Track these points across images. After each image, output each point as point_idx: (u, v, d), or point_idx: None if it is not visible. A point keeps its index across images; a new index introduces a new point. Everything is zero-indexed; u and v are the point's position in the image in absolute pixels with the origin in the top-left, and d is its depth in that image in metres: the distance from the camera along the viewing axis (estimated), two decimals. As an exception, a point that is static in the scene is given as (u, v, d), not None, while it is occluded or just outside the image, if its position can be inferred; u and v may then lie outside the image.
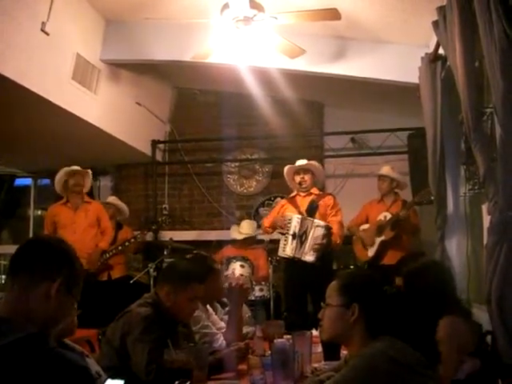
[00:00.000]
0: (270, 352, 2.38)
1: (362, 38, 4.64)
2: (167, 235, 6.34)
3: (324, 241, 4.63)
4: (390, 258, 4.75)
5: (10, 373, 1.23)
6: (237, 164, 6.94)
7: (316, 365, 2.42)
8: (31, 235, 7.10)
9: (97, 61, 4.91)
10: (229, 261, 5.45)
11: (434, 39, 3.61)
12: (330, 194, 5.22)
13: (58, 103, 4.47)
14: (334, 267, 5.35)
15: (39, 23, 3.98)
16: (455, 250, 3.78)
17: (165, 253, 5.61)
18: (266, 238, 5.81)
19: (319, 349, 2.63)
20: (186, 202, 6.99)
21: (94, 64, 4.86)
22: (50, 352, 1.31)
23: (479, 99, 2.79)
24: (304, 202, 4.94)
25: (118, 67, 5.31)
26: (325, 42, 4.74)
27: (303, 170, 4.98)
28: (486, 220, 2.71)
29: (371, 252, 5.08)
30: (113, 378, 1.60)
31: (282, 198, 5.63)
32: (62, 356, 1.31)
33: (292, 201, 5.04)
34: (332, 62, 4.76)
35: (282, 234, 4.81)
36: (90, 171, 5.44)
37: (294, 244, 4.69)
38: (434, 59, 3.76)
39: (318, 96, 6.54)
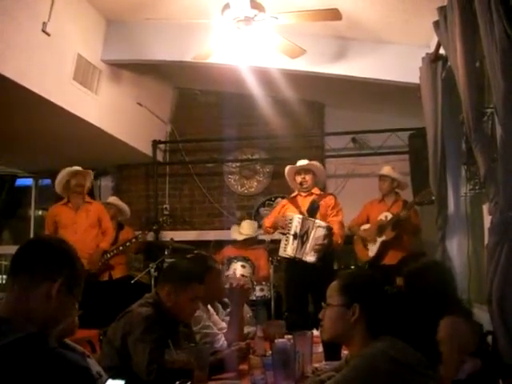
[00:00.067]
0: (270, 352, 2.38)
1: (363, 38, 4.64)
2: (168, 235, 6.35)
3: (325, 241, 4.63)
4: (391, 258, 4.76)
5: (10, 373, 1.23)
6: (237, 164, 6.94)
7: (317, 365, 2.42)
8: (32, 235, 7.10)
9: (98, 61, 4.91)
10: (230, 261, 5.45)
11: (435, 39, 3.61)
12: (331, 194, 5.22)
13: (59, 103, 4.47)
14: (335, 267, 5.35)
15: (40, 23, 3.99)
16: (456, 250, 3.78)
17: (166, 253, 5.62)
18: (267, 238, 5.81)
19: (320, 349, 2.63)
20: (186, 203, 6.99)
21: (94, 64, 4.86)
22: (51, 352, 1.31)
23: (480, 99, 2.79)
24: (305, 202, 4.94)
25: (119, 67, 5.31)
26: (325, 42, 4.74)
27: (304, 170, 4.98)
28: (487, 220, 2.71)
29: (372, 252, 5.08)
30: (114, 378, 1.60)
31: (283, 198, 5.62)
32: (63, 356, 1.31)
33: (293, 201, 5.04)
34: (333, 62, 4.76)
35: (283, 234, 4.81)
36: (91, 172, 5.45)
37: (295, 244, 4.69)
38: (434, 59, 3.76)
39: (319, 96, 6.54)
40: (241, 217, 6.62)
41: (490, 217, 2.46)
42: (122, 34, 4.91)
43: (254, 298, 5.25)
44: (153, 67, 5.74)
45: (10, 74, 3.80)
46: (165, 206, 6.91)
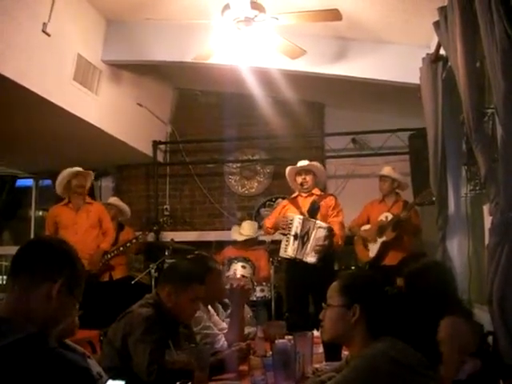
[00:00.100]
0: (271, 353, 2.38)
1: (363, 39, 4.64)
2: (168, 236, 6.34)
3: (326, 242, 4.62)
4: (392, 259, 4.76)
5: (11, 373, 1.23)
6: (238, 165, 6.94)
7: (317, 365, 2.42)
8: (32, 236, 7.10)
9: (98, 61, 4.92)
10: (230, 261, 5.44)
11: (435, 40, 3.60)
12: (332, 195, 5.22)
13: (59, 104, 4.47)
14: (336, 268, 5.35)
15: (40, 24, 3.99)
16: (456, 250, 3.78)
17: (166, 253, 5.61)
18: (268, 238, 5.81)
19: (320, 349, 2.63)
20: (187, 203, 6.99)
21: (95, 65, 4.86)
22: (51, 352, 1.31)
23: (480, 100, 2.79)
24: (306, 203, 4.94)
25: (119, 68, 5.31)
26: (326, 43, 4.74)
27: (305, 170, 4.98)
28: (488, 221, 2.71)
29: (372, 253, 5.08)
30: (114, 378, 1.60)
31: (283, 198, 5.62)
32: (63, 357, 1.32)
33: (293, 201, 5.04)
34: (333, 63, 4.76)
35: (284, 234, 4.81)
36: (92, 172, 5.46)
37: (296, 245, 4.68)
38: (435, 60, 3.76)
39: (319, 97, 6.54)
40: (241, 217, 6.62)
41: (491, 217, 2.46)
42: (122, 35, 4.91)
43: (255, 299, 5.25)
44: (153, 68, 5.74)
45: (10, 74, 3.80)
46: (165, 207, 6.91)
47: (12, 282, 1.43)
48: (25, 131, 5.14)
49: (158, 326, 2.38)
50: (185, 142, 7.02)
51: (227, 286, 3.28)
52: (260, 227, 5.77)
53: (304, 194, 5.00)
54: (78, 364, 1.33)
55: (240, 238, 5.73)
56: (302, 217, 4.75)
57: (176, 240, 6.01)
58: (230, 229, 6.09)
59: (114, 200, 6.08)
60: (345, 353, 2.34)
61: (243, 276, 5.19)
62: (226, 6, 3.81)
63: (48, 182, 7.16)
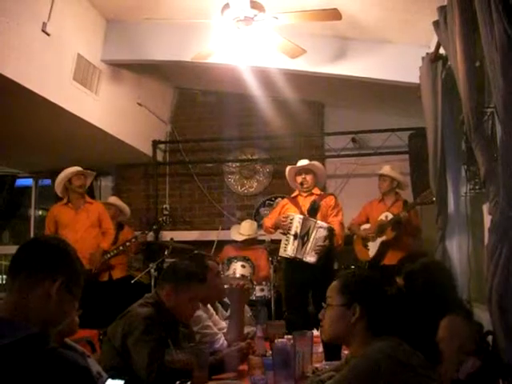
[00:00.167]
0: (271, 352, 2.38)
1: (363, 38, 4.63)
2: (168, 235, 6.35)
3: (326, 242, 4.63)
4: (391, 259, 4.76)
5: (11, 373, 1.23)
6: (237, 164, 6.94)
7: (317, 365, 2.42)
8: (32, 235, 7.10)
9: (98, 61, 4.91)
10: (230, 261, 5.45)
11: (435, 39, 3.60)
12: (332, 195, 5.22)
13: (59, 104, 4.47)
14: (335, 267, 5.35)
15: (40, 23, 3.99)
16: (456, 250, 3.78)
17: (166, 253, 5.61)
18: (267, 238, 5.81)
19: (320, 349, 2.63)
20: (186, 202, 7.00)
21: (94, 64, 4.86)
22: (51, 352, 1.31)
23: (480, 99, 2.78)
24: (306, 202, 4.94)
25: (119, 67, 5.31)
26: (325, 42, 4.74)
27: (305, 170, 4.98)
28: (487, 220, 2.71)
29: (372, 252, 5.08)
30: (113, 378, 1.60)
31: (283, 198, 5.62)
32: (63, 356, 1.32)
33: (294, 201, 5.04)
34: (333, 62, 4.76)
35: (284, 233, 4.81)
36: (93, 172, 5.47)
37: (296, 244, 4.68)
38: (434, 59, 3.76)
39: (319, 96, 6.54)
40: (241, 217, 6.62)
41: (490, 217, 2.45)
42: (122, 34, 4.91)
43: (254, 298, 5.24)
44: (153, 67, 5.74)
45: (9, 73, 3.79)
46: (165, 206, 6.91)
47: (11, 282, 1.43)
48: (24, 131, 5.13)
49: (158, 325, 2.38)
50: (184, 142, 7.02)
51: (227, 286, 3.28)
52: (259, 226, 5.77)
53: (304, 194, 5.00)
54: (78, 363, 1.33)
55: (239, 238, 5.73)
56: (302, 216, 4.75)
57: (175, 239, 6.02)
58: (229, 228, 6.09)
59: (113, 199, 6.08)
60: (344, 352, 2.35)
61: (243, 275, 5.19)
62: (226, 6, 3.81)
63: (48, 181, 7.16)
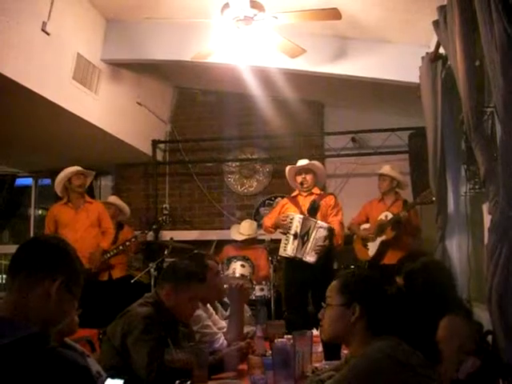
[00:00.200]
0: (270, 352, 2.38)
1: (363, 38, 4.63)
2: (168, 235, 6.35)
3: (326, 242, 4.62)
4: (391, 258, 4.75)
5: (11, 372, 1.23)
6: (237, 164, 6.94)
7: (317, 364, 2.42)
8: (32, 235, 7.10)
9: (97, 61, 4.91)
10: (229, 260, 5.44)
11: (435, 39, 3.60)
12: (332, 194, 5.22)
13: (59, 103, 4.47)
14: (335, 267, 5.36)
15: (40, 23, 3.98)
16: (456, 249, 3.78)
17: (165, 252, 5.61)
18: (267, 237, 5.81)
19: (320, 348, 2.63)
20: (186, 202, 6.99)
21: (94, 64, 4.86)
22: (51, 351, 1.31)
23: (480, 99, 2.78)
24: (306, 202, 4.94)
25: (119, 67, 5.31)
26: (325, 42, 4.74)
27: (305, 170, 4.98)
28: (487, 220, 2.71)
29: (372, 252, 5.08)
30: (113, 377, 1.61)
31: (283, 197, 5.62)
32: (63, 356, 1.32)
33: (294, 200, 5.04)
34: (332, 62, 4.75)
35: (284, 233, 4.81)
36: (93, 172, 5.47)
37: (296, 244, 4.68)
38: (434, 59, 3.76)
39: (319, 96, 6.54)
40: (240, 216, 6.62)
41: (490, 216, 2.45)
42: (121, 34, 4.91)
43: (254, 298, 5.24)
44: (152, 67, 5.74)
45: (9, 73, 3.79)
46: (164, 206, 6.91)
47: (11, 281, 1.43)
48: (24, 130, 5.13)
49: (158, 325, 2.38)
50: (184, 141, 7.02)
51: (226, 286, 3.28)
52: (259, 226, 5.77)
53: (304, 193, 5.00)
54: (78, 363, 1.33)
55: (239, 238, 5.73)
56: (302, 216, 4.74)
57: (175, 239, 6.02)
58: (229, 228, 6.09)
59: (113, 199, 6.08)
60: (344, 352, 2.35)
61: (242, 275, 5.18)
62: (226, 5, 3.81)
63: (47, 180, 7.16)
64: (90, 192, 6.32)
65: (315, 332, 2.78)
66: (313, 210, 4.84)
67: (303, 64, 4.66)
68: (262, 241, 5.96)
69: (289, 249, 4.71)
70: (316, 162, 5.09)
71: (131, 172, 7.15)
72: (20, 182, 7.28)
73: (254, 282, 5.28)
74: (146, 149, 6.57)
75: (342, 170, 6.45)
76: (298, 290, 4.79)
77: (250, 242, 5.77)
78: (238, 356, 2.60)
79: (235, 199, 6.87)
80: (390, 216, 4.97)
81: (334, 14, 3.75)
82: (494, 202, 2.38)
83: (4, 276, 7.10)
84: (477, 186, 3.32)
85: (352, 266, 5.44)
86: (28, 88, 4.03)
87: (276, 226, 4.97)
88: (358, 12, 4.17)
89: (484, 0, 2.31)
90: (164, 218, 6.19)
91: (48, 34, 4.06)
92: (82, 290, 1.54)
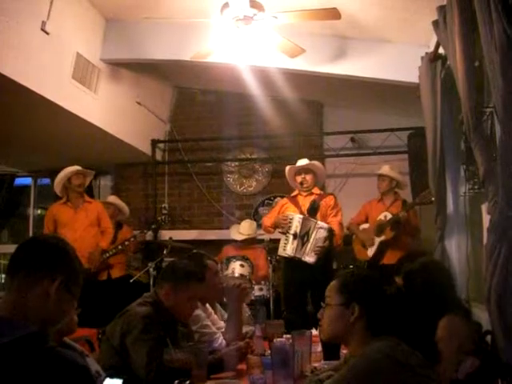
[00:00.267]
0: (269, 351, 2.38)
1: (362, 38, 4.63)
2: (167, 234, 6.33)
3: (326, 243, 4.63)
4: (390, 258, 4.75)
5: (10, 372, 1.23)
6: (236, 163, 6.94)
7: (316, 364, 2.42)
8: (31, 234, 7.10)
9: (97, 60, 4.91)
10: (228, 260, 5.44)
11: (434, 39, 3.60)
12: (331, 194, 5.22)
13: (58, 102, 4.46)
14: (334, 267, 5.35)
15: (39, 22, 3.98)
16: (455, 249, 3.78)
17: (164, 252, 5.60)
18: (266, 237, 5.81)
19: (319, 348, 2.63)
20: (185, 202, 6.99)
21: (94, 63, 4.86)
22: (50, 351, 1.31)
23: (479, 99, 2.78)
24: (305, 202, 4.94)
25: (118, 67, 5.31)
26: (325, 42, 4.73)
27: (304, 170, 4.98)
28: (486, 220, 2.71)
29: (371, 252, 5.08)
30: (112, 376, 1.60)
31: (282, 197, 5.62)
32: (62, 355, 1.31)
33: (293, 200, 5.04)
34: (332, 62, 4.75)
35: (283, 233, 4.80)
36: (92, 171, 5.47)
37: (295, 244, 4.68)
38: (434, 59, 3.75)
39: (318, 95, 6.54)
40: (240, 216, 6.62)
41: (489, 216, 2.46)
42: (121, 33, 4.90)
43: (253, 298, 5.24)
44: (152, 66, 5.74)
45: (8, 72, 3.79)
46: (164, 205, 6.91)
47: (10, 281, 1.43)
48: (23, 130, 5.13)
49: (157, 324, 2.38)
50: (183, 141, 7.02)
51: (224, 285, 3.28)
52: (259, 226, 5.76)
53: (304, 193, 5.00)
54: (77, 362, 1.33)
55: (239, 237, 5.73)
56: (302, 216, 4.74)
57: (174, 239, 6.00)
58: (228, 228, 6.09)
59: (112, 199, 6.08)
60: (343, 351, 2.35)
61: (241, 275, 5.18)
62: (225, 5, 3.81)
63: (47, 180, 7.16)
64: (90, 192, 6.32)
65: (314, 332, 2.78)
66: (313, 210, 4.84)
67: (303, 64, 4.66)
68: (262, 241, 5.96)
69: (288, 249, 4.71)
70: (316, 162, 5.09)
71: (130, 172, 7.15)
72: (19, 181, 7.28)
73: (253, 282, 5.29)
74: (146, 148, 6.57)
75: (341, 170, 6.45)
76: (297, 290, 4.79)
77: (250, 242, 5.77)
78: (237, 356, 2.60)
79: (234, 199, 6.87)
80: (389, 216, 4.97)
81: (334, 13, 3.75)
82: (493, 202, 2.38)
83: (3, 275, 7.10)
84: (476, 186, 3.32)
85: (351, 266, 5.44)
86: (27, 87, 4.03)
87: (275, 226, 4.97)
88: (357, 12, 4.17)
89: (484, 0, 2.31)
90: (163, 217, 6.19)
91: (47, 33, 4.06)
92: (81, 290, 1.54)
